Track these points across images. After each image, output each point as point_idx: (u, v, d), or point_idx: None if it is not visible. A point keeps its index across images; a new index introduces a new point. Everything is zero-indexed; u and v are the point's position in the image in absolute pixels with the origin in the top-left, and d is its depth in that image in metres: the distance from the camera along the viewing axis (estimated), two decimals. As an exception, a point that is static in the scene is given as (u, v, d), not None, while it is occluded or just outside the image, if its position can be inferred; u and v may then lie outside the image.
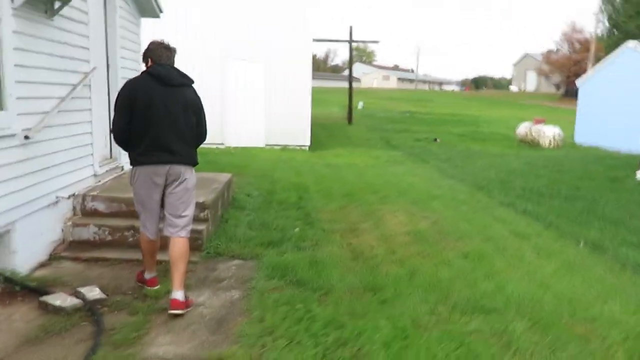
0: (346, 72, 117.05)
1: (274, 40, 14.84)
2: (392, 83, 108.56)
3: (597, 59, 24.96)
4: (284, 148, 15.10)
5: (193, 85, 4.02)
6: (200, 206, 5.24)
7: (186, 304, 3.77)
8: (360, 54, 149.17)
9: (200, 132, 4.02)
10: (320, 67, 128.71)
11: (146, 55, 3.94)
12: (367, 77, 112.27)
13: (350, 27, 26.28)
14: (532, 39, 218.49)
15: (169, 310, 3.68)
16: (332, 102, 40.42)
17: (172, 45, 4.02)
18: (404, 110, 38.04)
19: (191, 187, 3.97)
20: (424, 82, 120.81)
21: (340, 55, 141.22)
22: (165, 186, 3.86)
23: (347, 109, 27.28)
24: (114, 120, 3.89)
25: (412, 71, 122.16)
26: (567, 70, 58.39)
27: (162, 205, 3.96)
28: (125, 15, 6.98)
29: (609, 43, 42.26)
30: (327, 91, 54.20)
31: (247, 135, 15.19)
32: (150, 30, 7.10)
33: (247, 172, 10.10)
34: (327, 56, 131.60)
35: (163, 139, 3.75)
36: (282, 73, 14.98)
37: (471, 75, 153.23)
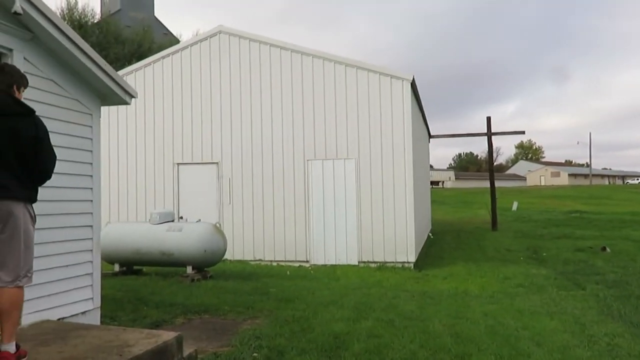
0: (509, 171, 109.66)
1: (367, 136, 12.28)
2: (563, 179, 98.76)
3: None
4: (381, 266, 11.82)
5: (33, 114, 3.63)
6: None
7: (17, 355, 3.36)
8: (525, 151, 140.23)
9: (40, 168, 3.63)
10: (483, 166, 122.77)
11: None
12: (533, 175, 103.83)
13: (488, 119, 22.88)
14: None
15: None
16: (482, 203, 35.89)
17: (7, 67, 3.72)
18: (570, 210, 32.00)
19: (22, 226, 3.43)
20: (602, 176, 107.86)
21: (505, 154, 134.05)
22: None
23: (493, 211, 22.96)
24: None
25: (587, 165, 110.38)
26: None
27: None
28: (56, 101, 5.01)
29: None
30: (482, 192, 49.42)
31: (336, 250, 12.32)
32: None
33: (287, 309, 7.22)
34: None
35: None
36: (377, 174, 12.16)
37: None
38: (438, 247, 16.54)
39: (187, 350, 4.58)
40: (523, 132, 23.07)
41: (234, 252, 12.56)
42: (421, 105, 15.73)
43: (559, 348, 5.78)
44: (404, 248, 11.88)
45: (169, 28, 50.11)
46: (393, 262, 11.89)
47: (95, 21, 40.47)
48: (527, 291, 9.50)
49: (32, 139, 3.57)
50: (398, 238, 11.90)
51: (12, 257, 3.43)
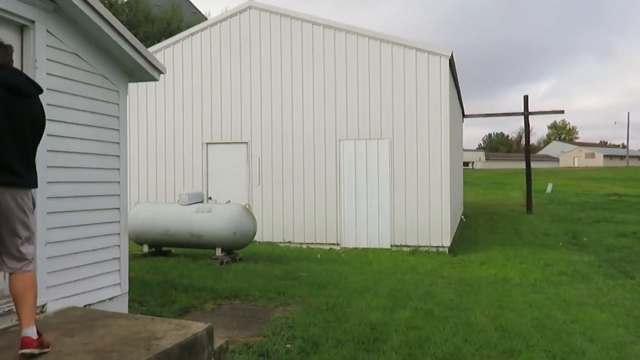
0: (541, 152, 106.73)
1: (402, 115, 11.80)
2: (598, 161, 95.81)
3: None
4: (414, 250, 11.45)
5: (40, 95, 3.36)
6: None
7: (39, 342, 3.13)
8: (558, 131, 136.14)
9: (35, 152, 3.39)
10: (514, 147, 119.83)
11: None
12: (567, 156, 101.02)
13: (525, 97, 22.00)
14: None
15: (20, 350, 3.04)
16: (514, 185, 35.01)
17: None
18: (608, 192, 30.86)
19: (29, 212, 3.28)
20: (639, 157, 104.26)
21: (537, 134, 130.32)
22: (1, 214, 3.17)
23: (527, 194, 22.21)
24: None
25: (623, 146, 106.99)
26: None
27: None
28: (81, 77, 4.74)
29: None
30: (514, 173, 48.32)
31: (367, 233, 11.98)
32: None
33: (320, 296, 6.95)
34: (520, 136, 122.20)
35: (5, 158, 3.11)
36: (411, 154, 11.72)
37: None
38: (472, 230, 16.05)
39: (218, 342, 4.32)
40: (562, 112, 22.21)
41: (263, 234, 12.35)
42: (457, 83, 15.11)
43: (615, 345, 5.36)
44: (438, 232, 11.47)
45: (197, 7, 49.83)
46: (427, 246, 11.49)
47: (125, 0, 40.43)
48: (571, 279, 9.03)
49: (43, 122, 3.38)
50: (432, 221, 11.48)
51: (17, 244, 3.27)
